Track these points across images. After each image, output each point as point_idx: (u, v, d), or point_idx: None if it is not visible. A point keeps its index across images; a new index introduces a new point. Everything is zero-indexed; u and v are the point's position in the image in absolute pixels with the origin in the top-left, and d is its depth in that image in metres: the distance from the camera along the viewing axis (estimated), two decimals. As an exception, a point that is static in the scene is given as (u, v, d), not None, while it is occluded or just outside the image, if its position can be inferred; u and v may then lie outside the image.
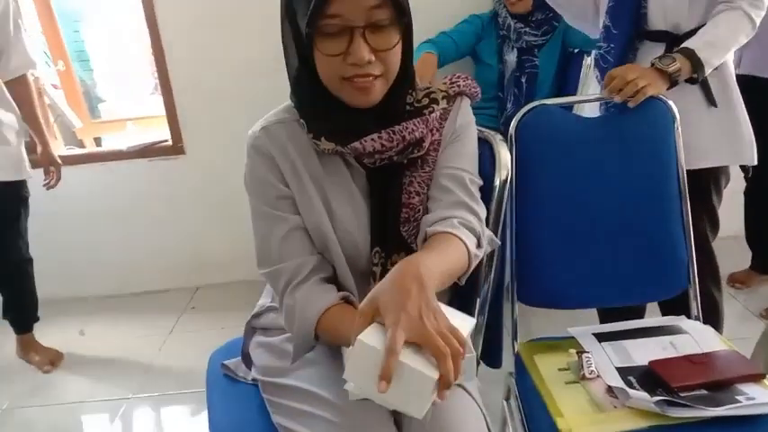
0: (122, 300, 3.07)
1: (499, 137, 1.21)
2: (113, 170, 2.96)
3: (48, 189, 2.48)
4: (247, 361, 1.30)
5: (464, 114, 1.15)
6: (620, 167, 1.41)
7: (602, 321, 1.77)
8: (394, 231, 1.10)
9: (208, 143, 2.93)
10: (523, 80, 2.43)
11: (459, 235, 1.03)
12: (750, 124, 1.63)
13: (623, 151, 1.41)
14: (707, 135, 1.56)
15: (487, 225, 1.14)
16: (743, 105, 1.63)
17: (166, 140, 2.95)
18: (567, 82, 2.44)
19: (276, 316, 1.24)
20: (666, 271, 1.41)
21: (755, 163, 1.63)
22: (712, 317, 1.66)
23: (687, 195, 1.42)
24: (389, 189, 1.10)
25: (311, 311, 1.04)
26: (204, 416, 2.06)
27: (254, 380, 1.29)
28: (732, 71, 1.63)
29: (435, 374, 0.78)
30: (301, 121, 1.09)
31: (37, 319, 2.57)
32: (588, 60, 2.27)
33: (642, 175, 1.41)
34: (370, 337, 0.81)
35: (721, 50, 1.50)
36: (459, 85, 1.15)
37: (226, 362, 1.35)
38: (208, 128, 2.91)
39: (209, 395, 1.34)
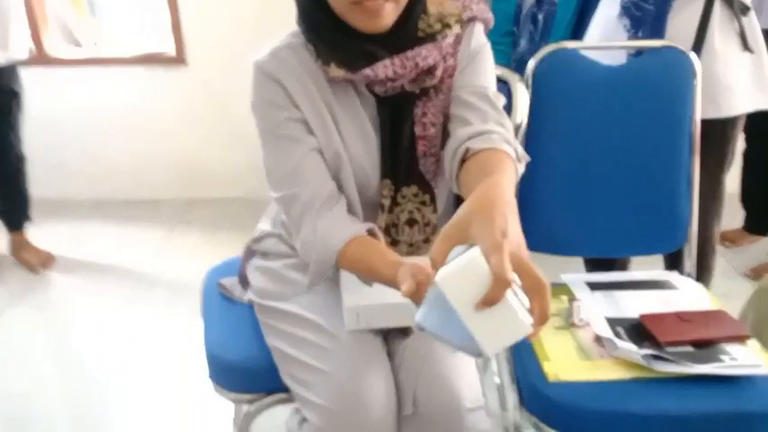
0: (116, 206, 3.06)
1: (517, 77, 1.18)
2: (113, 75, 2.90)
3: None
4: (244, 282, 1.31)
5: (478, 38, 1.11)
6: (634, 118, 1.39)
7: (589, 271, 1.80)
8: (407, 165, 1.09)
9: (210, 57, 2.87)
10: (540, 17, 2.35)
11: (507, 150, 0.97)
12: None
13: (639, 102, 1.39)
14: (747, 80, 1.58)
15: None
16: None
17: (168, 51, 2.87)
18: (584, 24, 2.35)
19: (277, 242, 1.24)
20: (667, 226, 1.42)
21: None
22: (709, 261, 1.73)
23: (698, 151, 1.41)
24: (401, 120, 1.08)
25: (335, 240, 1.03)
26: (196, 329, 2.11)
27: (249, 301, 1.30)
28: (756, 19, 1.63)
29: (529, 320, 0.72)
30: (310, 46, 1.06)
31: (28, 219, 2.57)
32: (608, 3, 2.19)
33: (655, 127, 1.39)
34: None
35: None
36: (472, 9, 1.10)
37: (222, 281, 1.36)
38: (211, 42, 2.84)
39: (204, 311, 1.36)
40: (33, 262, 2.53)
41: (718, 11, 1.51)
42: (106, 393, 1.88)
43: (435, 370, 1.03)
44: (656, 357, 1.14)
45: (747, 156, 2.51)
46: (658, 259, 1.83)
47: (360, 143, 1.10)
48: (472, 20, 1.10)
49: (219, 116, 2.95)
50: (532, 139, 1.38)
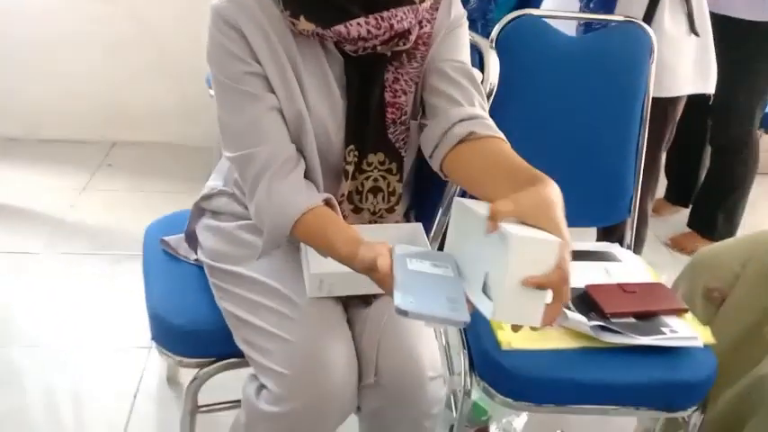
0: (31, 145, 2.83)
1: (488, 43, 1.16)
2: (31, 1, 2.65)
3: None
4: (192, 241, 1.25)
5: (457, 7, 1.08)
6: (592, 90, 1.42)
7: None
8: (375, 131, 1.05)
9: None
10: (492, -26, 2.33)
11: (504, 140, 1.00)
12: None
13: (597, 75, 1.42)
14: (690, 63, 1.61)
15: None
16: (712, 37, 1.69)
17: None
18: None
19: (229, 201, 1.18)
20: (613, 199, 1.47)
21: (713, 91, 1.72)
22: (642, 233, 1.82)
23: (647, 126, 1.45)
24: (370, 84, 1.04)
25: (291, 208, 0.97)
26: (118, 279, 2.03)
27: (196, 260, 1.24)
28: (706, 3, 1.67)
29: (540, 320, 0.76)
30: None
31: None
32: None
33: (610, 101, 1.43)
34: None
35: None
36: None
37: (166, 238, 1.29)
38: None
39: (145, 269, 1.30)
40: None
41: None
42: (27, 338, 1.78)
43: (397, 339, 1.02)
44: (602, 328, 1.18)
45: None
46: (589, 230, 1.90)
47: (324, 104, 1.05)
48: None
49: (148, 53, 2.77)
50: (491, 107, 1.37)
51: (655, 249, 2.42)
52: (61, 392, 1.64)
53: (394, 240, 0.92)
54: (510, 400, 1.16)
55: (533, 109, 1.41)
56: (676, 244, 2.48)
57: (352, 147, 1.06)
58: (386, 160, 1.07)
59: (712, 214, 2.46)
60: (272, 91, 1.02)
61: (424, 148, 1.05)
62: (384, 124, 1.05)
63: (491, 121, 1.02)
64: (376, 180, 1.08)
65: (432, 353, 1.04)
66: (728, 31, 2.01)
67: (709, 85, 1.73)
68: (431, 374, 1.02)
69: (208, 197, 1.22)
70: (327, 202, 1.01)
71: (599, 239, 1.80)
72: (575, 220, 1.50)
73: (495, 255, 0.76)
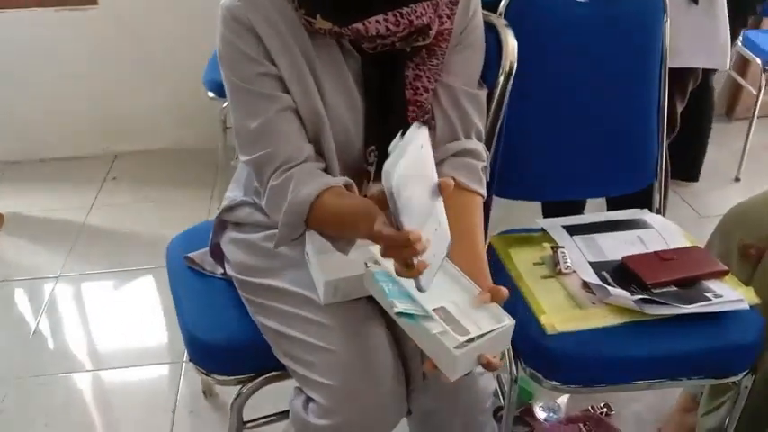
0: (31, 167, 2.79)
1: (504, 22, 1.12)
2: (17, 19, 2.59)
3: None
4: (217, 256, 1.22)
5: (476, 1, 1.04)
6: (607, 58, 1.36)
7: (546, 215, 1.79)
8: (397, 131, 1.01)
9: (122, -7, 2.60)
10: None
11: (483, 194, 1.07)
12: (728, 28, 1.60)
13: (611, 42, 1.36)
14: (684, 35, 1.52)
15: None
16: (724, 8, 1.59)
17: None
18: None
19: (252, 211, 1.14)
20: (639, 164, 1.43)
21: (727, 68, 1.63)
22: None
23: (666, 91, 1.40)
24: (389, 81, 1.00)
25: (309, 188, 0.92)
26: (142, 294, 2.02)
27: (223, 274, 1.21)
28: None
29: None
30: None
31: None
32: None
33: (627, 67, 1.37)
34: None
35: None
36: None
37: (190, 255, 1.26)
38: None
39: (173, 287, 1.27)
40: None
41: None
42: (58, 363, 1.78)
43: (442, 337, 0.99)
44: (646, 301, 1.15)
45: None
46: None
47: (343, 103, 1.01)
48: None
49: (138, 60, 2.71)
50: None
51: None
52: (100, 412, 1.64)
53: None
54: (559, 384, 1.13)
55: (552, 81, 1.36)
56: None
57: (373, 147, 1.02)
58: None
59: (696, 158, 2.44)
60: (287, 91, 0.98)
61: None
62: (407, 124, 1.01)
63: (479, 163, 1.07)
64: None
65: (478, 346, 1.02)
66: None
67: (715, 61, 1.62)
68: (480, 369, 0.99)
69: (229, 209, 1.18)
70: (347, 186, 0.96)
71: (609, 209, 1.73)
72: (601, 189, 1.50)
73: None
